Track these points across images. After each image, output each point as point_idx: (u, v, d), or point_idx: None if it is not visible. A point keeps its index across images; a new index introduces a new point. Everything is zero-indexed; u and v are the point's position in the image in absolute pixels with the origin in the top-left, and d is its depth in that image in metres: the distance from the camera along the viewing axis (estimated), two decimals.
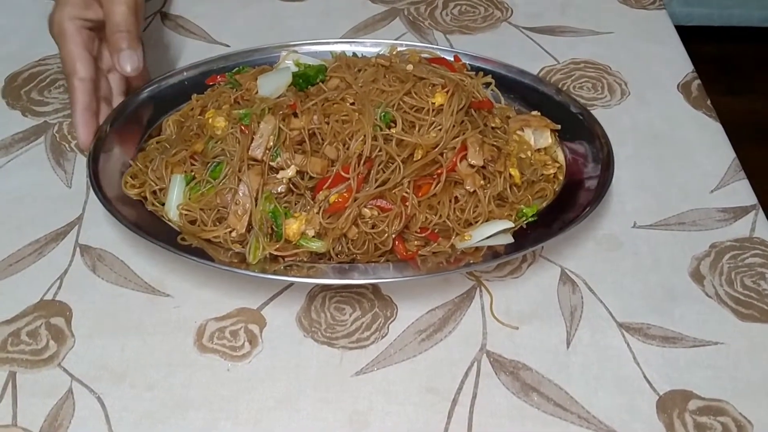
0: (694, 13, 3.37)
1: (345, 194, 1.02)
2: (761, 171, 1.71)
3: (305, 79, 1.13)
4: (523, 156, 1.17)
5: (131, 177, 1.13)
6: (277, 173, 1.05)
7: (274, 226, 1.03)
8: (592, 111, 1.30)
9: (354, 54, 1.27)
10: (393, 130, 1.06)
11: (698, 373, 0.94)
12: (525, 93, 1.29)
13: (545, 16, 1.51)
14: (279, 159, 1.05)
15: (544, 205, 1.12)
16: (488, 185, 1.09)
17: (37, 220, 1.11)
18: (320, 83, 1.12)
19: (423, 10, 1.54)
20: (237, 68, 1.27)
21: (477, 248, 1.05)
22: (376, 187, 1.03)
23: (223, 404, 0.90)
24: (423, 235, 1.05)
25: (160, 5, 1.53)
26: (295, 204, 1.05)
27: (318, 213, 1.02)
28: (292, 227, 1.02)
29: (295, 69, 1.22)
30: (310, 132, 1.06)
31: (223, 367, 0.94)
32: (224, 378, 0.93)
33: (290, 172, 1.04)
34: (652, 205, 1.16)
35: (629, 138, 1.28)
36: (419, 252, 1.04)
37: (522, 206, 1.10)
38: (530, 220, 1.09)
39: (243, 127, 1.08)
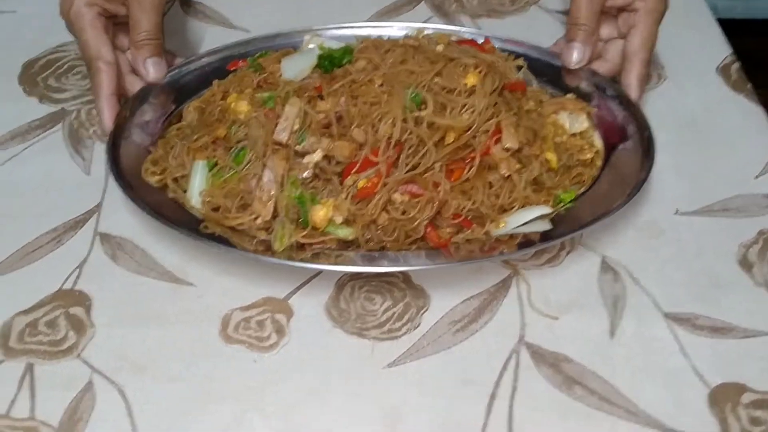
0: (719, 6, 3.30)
1: (374, 179, 0.98)
2: None
3: (331, 61, 1.09)
4: (558, 140, 1.12)
5: (152, 163, 1.09)
6: (303, 158, 1.01)
7: (300, 213, 0.98)
8: None
9: (380, 37, 1.22)
10: (424, 112, 1.01)
11: (751, 364, 0.89)
12: (558, 76, 1.24)
13: None
14: (305, 143, 1.01)
15: (582, 190, 1.07)
16: (524, 169, 1.04)
17: (55, 208, 1.07)
18: (347, 65, 1.08)
19: None
20: (259, 53, 1.23)
21: (512, 236, 1.00)
22: (407, 172, 0.99)
23: (249, 396, 0.86)
24: (456, 221, 1.00)
25: None
26: (322, 189, 1.00)
27: (346, 199, 0.98)
28: (319, 214, 0.97)
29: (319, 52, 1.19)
30: (337, 115, 1.02)
31: (250, 359, 0.90)
32: (251, 369, 0.89)
33: (317, 156, 1.00)
34: (694, 192, 1.11)
35: (667, 123, 1.23)
36: (452, 239, 0.99)
37: (559, 192, 1.05)
38: (568, 206, 1.04)
39: (267, 111, 1.04)
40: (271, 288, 0.97)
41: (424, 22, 1.41)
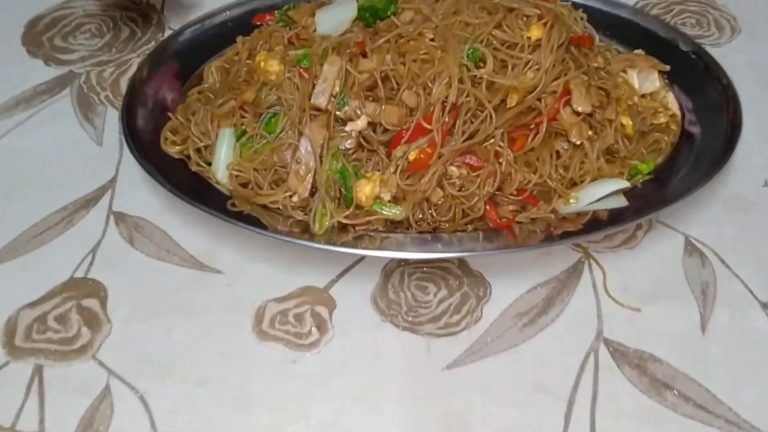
0: None
1: (427, 150, 0.85)
2: None
3: (373, 13, 0.95)
4: (630, 103, 0.98)
5: (171, 132, 0.96)
6: (345, 125, 0.88)
7: (342, 189, 0.86)
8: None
9: None
10: (482, 71, 0.88)
11: None
12: (623, 29, 1.09)
13: None
14: (347, 108, 0.88)
15: (660, 160, 0.94)
16: (596, 137, 0.90)
17: (64, 183, 0.95)
18: (392, 17, 0.94)
19: None
20: (287, 5, 1.09)
21: (580, 213, 0.87)
22: (464, 141, 0.86)
23: (289, 404, 0.75)
24: (520, 198, 0.87)
25: None
26: (367, 161, 0.88)
27: (395, 173, 0.85)
28: (365, 190, 0.85)
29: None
30: (383, 75, 0.89)
31: (289, 359, 0.78)
32: (290, 371, 0.78)
33: (361, 123, 0.87)
34: None
35: (747, 80, 1.08)
36: (515, 219, 0.86)
37: (635, 162, 0.92)
38: (646, 178, 0.91)
39: (302, 71, 0.90)
40: (310, 276, 0.85)
41: None
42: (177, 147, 0.95)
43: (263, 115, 0.91)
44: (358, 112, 0.87)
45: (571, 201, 0.87)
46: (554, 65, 0.90)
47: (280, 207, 0.88)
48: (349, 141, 0.87)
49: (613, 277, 0.85)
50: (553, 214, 0.87)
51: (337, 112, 0.88)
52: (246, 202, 0.88)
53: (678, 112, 1.00)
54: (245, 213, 0.86)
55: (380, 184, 0.85)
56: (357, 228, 0.86)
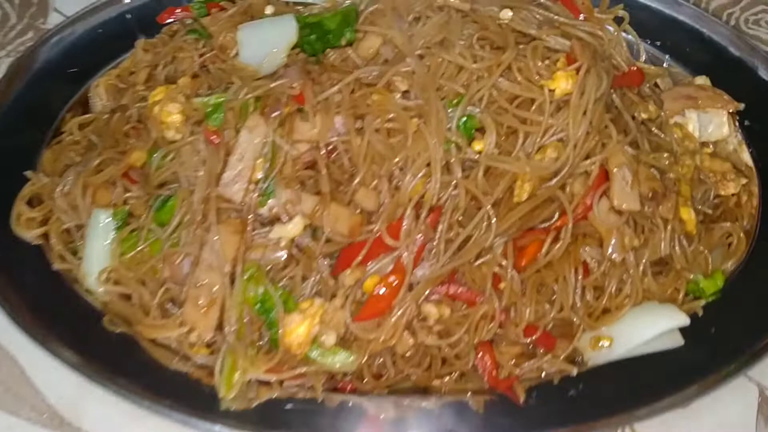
0: None
1: (391, 280, 0.56)
2: None
3: (321, 37, 0.64)
4: (688, 164, 0.69)
5: (28, 204, 0.66)
6: (271, 227, 0.58)
7: (265, 329, 0.57)
8: None
9: None
10: (479, 146, 0.58)
11: None
12: (680, 40, 0.79)
13: None
14: (273, 201, 0.58)
15: (732, 266, 0.65)
16: (645, 245, 0.61)
17: None
18: (347, 48, 0.63)
19: None
20: None
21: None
22: (448, 262, 0.57)
23: None
24: (528, 339, 0.59)
25: None
26: (303, 281, 0.59)
27: (343, 307, 0.57)
28: (297, 331, 0.57)
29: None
30: (330, 148, 0.59)
31: None
32: None
33: (293, 227, 0.58)
34: None
35: None
36: (520, 375, 0.58)
37: (696, 276, 0.63)
38: (711, 299, 0.63)
39: (210, 133, 0.60)
40: None
41: None
42: (34, 230, 0.65)
43: (154, 198, 0.62)
44: (290, 209, 0.58)
45: (604, 343, 0.59)
46: (588, 133, 0.60)
47: (175, 344, 0.59)
48: (277, 253, 0.58)
49: None
50: (576, 367, 0.58)
51: (260, 209, 0.58)
52: (126, 324, 0.60)
53: (756, 174, 0.71)
54: (124, 334, 0.59)
55: (320, 322, 0.57)
56: (285, 383, 0.57)
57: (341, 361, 0.58)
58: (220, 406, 0.56)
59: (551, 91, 0.60)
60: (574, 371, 0.59)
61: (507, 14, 0.64)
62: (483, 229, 0.58)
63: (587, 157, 0.61)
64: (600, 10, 0.79)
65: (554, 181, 0.59)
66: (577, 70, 0.60)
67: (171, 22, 0.77)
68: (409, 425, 0.56)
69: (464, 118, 0.58)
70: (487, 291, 0.57)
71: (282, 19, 0.65)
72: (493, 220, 0.58)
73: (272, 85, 0.60)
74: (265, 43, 0.64)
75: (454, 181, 0.57)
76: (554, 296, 0.60)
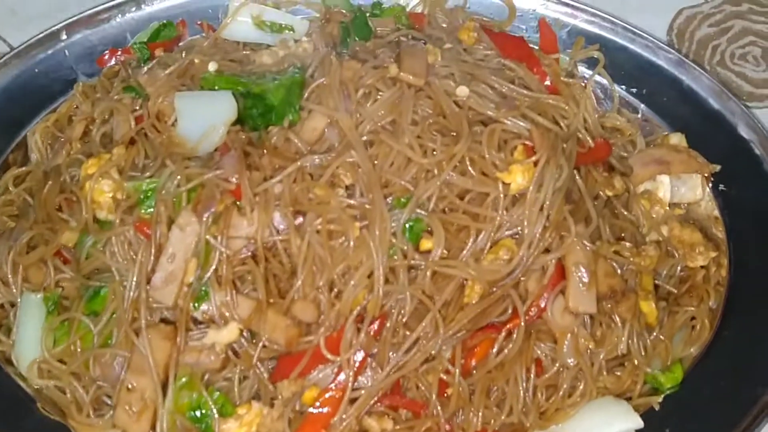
0: None
1: (332, 395, 0.53)
2: None
3: (263, 114, 0.59)
4: (651, 255, 0.64)
5: None
6: (206, 330, 0.55)
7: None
8: (765, 108, 0.77)
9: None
10: (428, 244, 0.55)
11: None
12: (658, 89, 0.74)
13: None
14: (207, 305, 0.55)
15: (695, 352, 0.63)
16: (601, 343, 0.59)
17: None
18: (288, 130, 0.58)
19: None
20: (153, 27, 0.73)
21: None
22: (396, 369, 0.54)
23: None
24: None
25: None
26: (241, 381, 0.56)
27: (281, 418, 0.54)
28: None
29: (252, 33, 0.69)
30: (268, 246, 0.55)
31: None
32: None
33: (228, 334, 0.55)
34: None
35: None
36: None
37: (654, 371, 0.61)
38: (669, 392, 0.61)
39: (141, 225, 0.56)
40: None
41: None
42: None
43: (84, 289, 0.58)
44: (226, 312, 0.54)
45: None
46: (546, 227, 0.56)
47: None
48: (211, 357, 0.55)
49: None
50: None
51: (193, 313, 0.55)
52: (60, 415, 0.58)
53: (726, 247, 0.67)
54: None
55: (258, 429, 0.55)
56: None
57: None
58: None
59: (506, 185, 0.56)
60: None
61: (464, 91, 0.59)
62: (431, 334, 0.55)
63: (545, 252, 0.57)
64: (573, 52, 0.75)
65: (507, 280, 0.56)
66: (535, 162, 0.56)
67: (110, 66, 0.73)
68: None
69: (411, 222, 0.54)
70: (432, 401, 0.55)
71: (221, 95, 0.60)
72: (440, 327, 0.55)
73: (206, 176, 0.55)
74: (204, 117, 0.60)
75: (398, 292, 0.54)
76: (504, 398, 0.58)
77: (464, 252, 0.55)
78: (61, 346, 0.59)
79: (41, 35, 0.73)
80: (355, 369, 0.53)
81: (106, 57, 0.72)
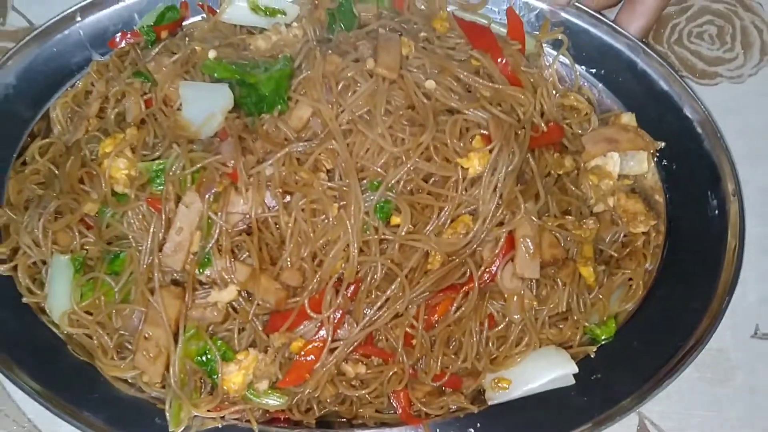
0: None
1: (314, 344, 0.64)
2: None
3: (257, 103, 0.68)
4: (603, 208, 0.75)
5: None
6: (209, 292, 0.66)
7: (206, 377, 0.67)
8: (715, 85, 0.85)
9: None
10: (397, 220, 0.64)
11: None
12: (613, 67, 0.81)
13: None
14: (210, 270, 0.65)
15: (630, 307, 0.73)
16: (545, 302, 0.69)
17: None
18: (278, 118, 0.67)
19: None
20: (158, 10, 0.80)
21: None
22: (368, 324, 0.65)
23: None
24: (437, 384, 0.68)
25: None
26: (239, 332, 0.67)
27: (273, 362, 0.65)
28: (234, 380, 0.66)
29: (248, 17, 0.77)
30: (261, 219, 0.65)
31: None
32: None
33: (228, 294, 0.65)
34: None
35: (765, 148, 0.84)
36: (430, 416, 0.68)
37: (591, 324, 0.71)
38: (604, 342, 0.72)
39: (154, 202, 0.66)
40: None
41: None
42: (3, 266, 0.72)
43: (106, 253, 0.68)
44: (225, 276, 0.65)
45: (503, 386, 0.68)
46: (498, 205, 0.66)
47: (128, 381, 0.68)
48: (215, 313, 0.66)
49: None
50: (476, 408, 0.68)
51: (199, 276, 0.65)
52: (90, 357, 0.69)
53: (665, 214, 0.77)
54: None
55: (254, 373, 0.66)
56: (227, 417, 0.67)
57: (273, 401, 0.67)
58: None
59: (465, 169, 0.65)
60: (475, 410, 0.68)
61: (431, 85, 0.67)
62: (399, 295, 0.65)
63: (499, 225, 0.67)
64: (540, 34, 0.82)
65: (465, 250, 0.66)
66: (491, 150, 0.65)
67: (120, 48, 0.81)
68: None
69: (381, 203, 0.63)
70: (399, 351, 0.66)
71: (219, 87, 0.68)
72: (407, 289, 0.65)
73: (207, 161, 0.65)
74: (205, 105, 0.68)
75: (370, 262, 0.64)
76: (461, 350, 0.68)
77: (428, 227, 0.65)
78: (87, 300, 0.68)
79: (57, 18, 0.80)
80: (334, 324, 0.64)
81: (117, 39, 0.80)
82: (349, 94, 0.67)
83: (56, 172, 0.75)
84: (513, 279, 0.67)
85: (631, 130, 0.78)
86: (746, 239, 0.75)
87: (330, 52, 0.69)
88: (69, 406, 0.67)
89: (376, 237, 0.64)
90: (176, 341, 0.66)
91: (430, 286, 0.66)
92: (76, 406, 0.67)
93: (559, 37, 0.81)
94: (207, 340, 0.66)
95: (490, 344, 0.69)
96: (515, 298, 0.67)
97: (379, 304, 0.65)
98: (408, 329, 0.66)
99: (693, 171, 0.77)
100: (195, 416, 0.67)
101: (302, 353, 0.64)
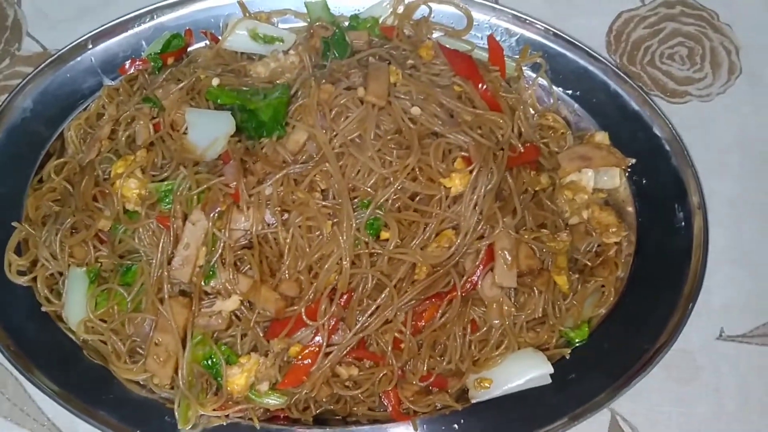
0: None
1: (311, 349, 0.70)
2: None
3: (257, 128, 0.74)
4: (578, 221, 0.81)
5: (15, 252, 0.79)
6: (214, 302, 0.72)
7: (211, 379, 0.73)
8: (685, 103, 0.91)
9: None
10: (386, 235, 0.71)
11: None
12: (587, 88, 0.87)
13: None
14: (215, 282, 0.71)
15: (603, 312, 0.79)
16: (522, 309, 0.75)
17: None
18: (275, 143, 0.73)
19: None
20: (164, 38, 0.86)
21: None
22: (360, 330, 0.71)
23: None
24: (424, 384, 0.74)
25: None
26: (242, 338, 0.73)
27: (273, 366, 0.72)
28: (238, 381, 0.72)
29: (249, 45, 0.83)
30: (260, 237, 0.71)
31: None
32: None
33: (231, 304, 0.71)
34: (753, 296, 0.82)
35: (732, 163, 0.90)
36: (418, 413, 0.74)
37: (566, 328, 0.77)
38: (578, 345, 0.78)
39: (162, 218, 0.72)
40: None
41: None
42: (23, 278, 0.79)
43: (119, 266, 0.75)
44: (229, 287, 0.71)
45: (485, 386, 0.74)
46: (479, 220, 0.72)
47: (140, 383, 0.75)
48: (219, 321, 0.72)
49: None
50: (461, 406, 0.74)
51: (204, 287, 0.71)
52: (104, 361, 0.76)
53: (635, 225, 0.83)
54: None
55: (256, 374, 0.72)
56: (232, 415, 0.74)
57: (273, 401, 0.73)
58: None
59: (447, 188, 0.71)
60: (459, 407, 0.74)
61: (417, 111, 0.73)
62: (388, 303, 0.71)
63: (479, 238, 0.73)
64: (520, 58, 0.88)
65: (447, 262, 0.72)
66: (471, 171, 0.71)
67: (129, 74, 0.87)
68: None
69: (371, 221, 0.70)
70: (389, 354, 0.72)
71: (222, 114, 0.74)
72: (395, 298, 0.71)
73: (212, 182, 0.71)
74: (209, 130, 0.74)
75: (361, 274, 0.70)
76: (446, 352, 0.74)
77: (414, 241, 0.71)
78: (101, 309, 0.74)
79: (71, 45, 0.87)
80: (329, 330, 0.70)
81: (127, 65, 0.86)
82: (342, 120, 0.73)
83: (71, 189, 0.81)
84: (493, 287, 0.73)
85: (604, 148, 0.84)
86: (712, 248, 0.81)
87: (324, 81, 0.75)
88: (86, 406, 0.73)
89: (366, 251, 0.70)
90: (184, 347, 0.72)
91: (416, 294, 0.72)
92: (92, 406, 0.73)
93: (538, 61, 0.87)
94: (212, 345, 0.72)
95: (473, 347, 0.75)
96: (495, 305, 0.73)
97: (370, 311, 0.71)
98: (397, 334, 0.72)
99: (661, 185, 0.83)
100: (202, 415, 0.73)
101: (300, 357, 0.70)
